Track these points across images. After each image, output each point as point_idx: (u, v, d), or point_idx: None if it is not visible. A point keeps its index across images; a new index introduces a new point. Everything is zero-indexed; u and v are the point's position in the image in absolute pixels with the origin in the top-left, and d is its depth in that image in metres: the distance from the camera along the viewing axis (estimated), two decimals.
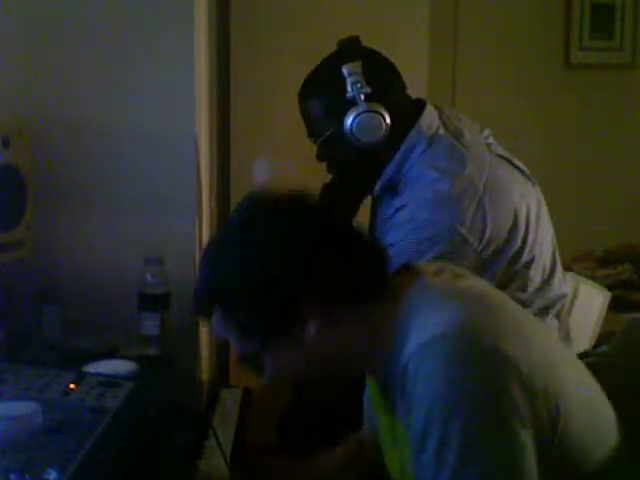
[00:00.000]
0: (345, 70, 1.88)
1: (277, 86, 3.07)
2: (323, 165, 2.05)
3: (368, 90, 1.87)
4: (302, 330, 1.27)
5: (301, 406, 2.26)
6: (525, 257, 1.91)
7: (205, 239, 2.41)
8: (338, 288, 1.29)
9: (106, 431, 1.43)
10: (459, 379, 1.17)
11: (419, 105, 1.99)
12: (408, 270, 1.39)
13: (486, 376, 1.17)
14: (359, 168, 2.01)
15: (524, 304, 1.83)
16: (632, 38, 3.70)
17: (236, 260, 1.28)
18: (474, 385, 1.17)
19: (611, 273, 3.37)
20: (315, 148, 2.04)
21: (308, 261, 1.28)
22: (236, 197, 3.07)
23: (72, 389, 1.60)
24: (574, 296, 2.39)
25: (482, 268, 1.83)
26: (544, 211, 2.01)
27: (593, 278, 2.81)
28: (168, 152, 2.17)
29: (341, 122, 1.90)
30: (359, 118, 1.88)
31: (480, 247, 1.84)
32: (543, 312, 1.94)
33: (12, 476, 1.23)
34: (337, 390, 1.42)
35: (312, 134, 1.99)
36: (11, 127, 1.92)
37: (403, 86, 1.99)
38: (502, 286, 1.84)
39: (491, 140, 2.04)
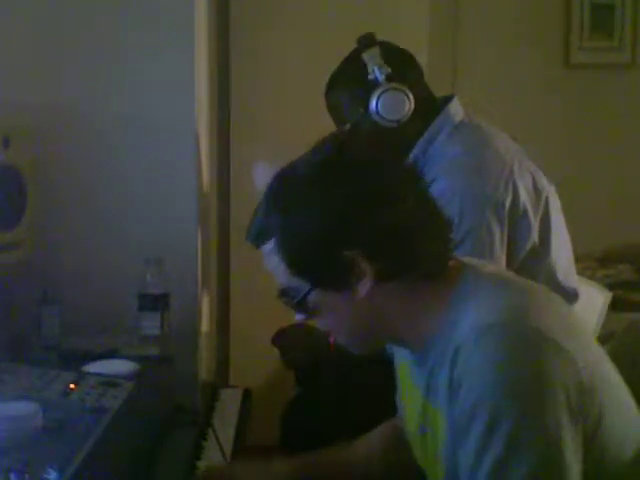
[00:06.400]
0: (365, 56, 1.94)
1: (277, 86, 3.07)
2: None
3: (389, 70, 1.92)
4: (357, 283, 1.23)
5: (303, 405, 2.26)
6: (549, 238, 1.95)
7: (205, 240, 2.41)
8: (404, 256, 1.24)
9: (106, 431, 1.44)
10: (517, 368, 1.14)
11: (448, 98, 2.04)
12: (456, 259, 1.34)
13: (543, 369, 1.15)
14: None
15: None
16: (632, 38, 3.68)
17: (307, 195, 1.23)
18: (530, 376, 1.14)
19: (611, 273, 3.36)
20: None
21: (383, 219, 1.21)
22: (236, 198, 3.07)
23: (72, 389, 1.60)
24: None
25: (515, 241, 1.89)
26: (558, 206, 2.04)
27: (593, 278, 2.80)
28: (168, 152, 2.18)
29: (366, 105, 1.94)
30: (383, 96, 1.93)
31: (514, 217, 1.88)
32: None
33: (12, 476, 1.23)
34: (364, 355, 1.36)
35: (340, 124, 2.03)
36: (11, 127, 1.93)
37: (421, 71, 2.04)
38: (530, 264, 1.91)
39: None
